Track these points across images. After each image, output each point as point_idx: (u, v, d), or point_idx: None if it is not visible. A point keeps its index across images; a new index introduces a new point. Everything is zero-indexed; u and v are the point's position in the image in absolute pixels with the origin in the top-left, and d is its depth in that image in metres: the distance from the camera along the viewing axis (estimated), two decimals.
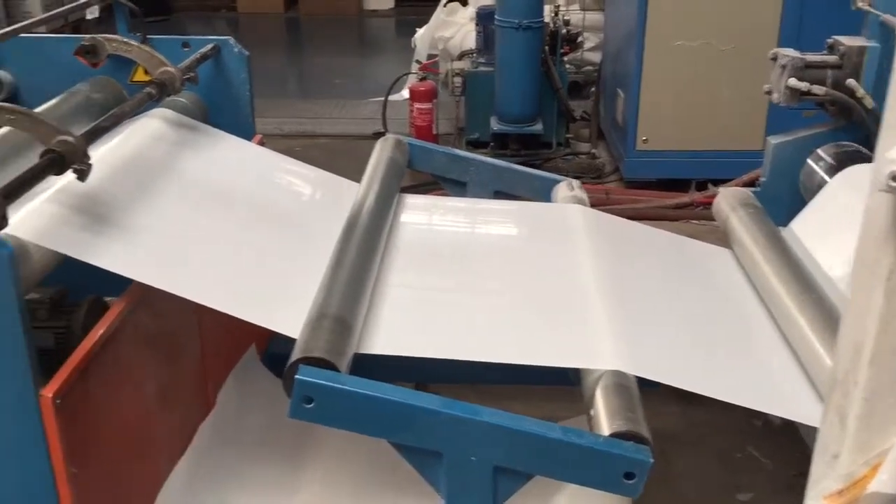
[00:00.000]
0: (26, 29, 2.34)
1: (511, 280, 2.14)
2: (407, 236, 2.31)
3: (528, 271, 2.18)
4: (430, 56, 6.33)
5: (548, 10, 4.99)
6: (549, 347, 1.87)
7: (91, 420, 1.65)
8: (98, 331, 1.70)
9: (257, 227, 2.19)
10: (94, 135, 1.92)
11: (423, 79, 5.24)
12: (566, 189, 2.62)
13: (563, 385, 2.64)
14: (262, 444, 2.51)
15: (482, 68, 5.14)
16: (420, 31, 6.94)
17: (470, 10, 6.67)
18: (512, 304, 2.03)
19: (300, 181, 2.52)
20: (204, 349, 2.31)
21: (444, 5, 6.74)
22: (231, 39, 2.78)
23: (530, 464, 1.55)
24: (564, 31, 5.08)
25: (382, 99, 5.73)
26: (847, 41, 2.50)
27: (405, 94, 5.85)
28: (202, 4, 10.51)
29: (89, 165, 1.78)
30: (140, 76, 2.84)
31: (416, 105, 5.10)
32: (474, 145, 5.14)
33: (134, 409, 1.89)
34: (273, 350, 2.89)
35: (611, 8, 5.29)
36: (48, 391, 1.51)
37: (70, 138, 1.78)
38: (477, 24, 5.24)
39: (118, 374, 1.78)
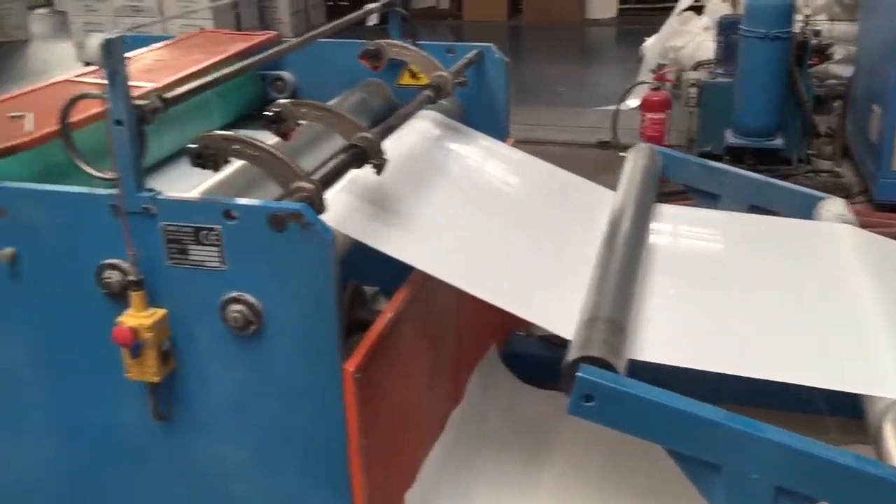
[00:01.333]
0: (314, 37, 2.52)
1: (781, 296, 2.07)
2: (666, 245, 2.29)
3: (799, 289, 2.10)
4: (660, 66, 6.23)
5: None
6: (829, 369, 1.79)
7: (379, 396, 1.75)
8: (388, 314, 1.81)
9: (518, 225, 2.25)
10: (386, 132, 2.05)
11: (656, 88, 5.15)
12: (833, 207, 2.50)
13: (811, 413, 2.55)
14: (501, 440, 2.57)
15: (720, 79, 4.98)
16: (650, 40, 6.85)
17: (705, 20, 6.51)
18: (784, 321, 1.96)
19: (556, 184, 2.55)
20: (459, 342, 2.40)
21: (679, 14, 6.61)
22: (493, 46, 2.87)
23: (816, 488, 1.50)
24: (814, 41, 4.84)
25: (606, 108, 5.68)
26: None
27: (632, 103, 5.79)
28: (431, 12, 10.87)
29: (385, 160, 1.90)
30: (406, 79, 2.99)
31: (649, 115, 5.03)
32: (706, 158, 5.00)
33: (409, 391, 2.00)
34: (511, 349, 2.96)
35: (867, 18, 4.98)
36: (350, 365, 1.62)
37: (369, 135, 1.90)
38: (718, 34, 5.09)
39: (400, 356, 1.89)
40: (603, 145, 5.64)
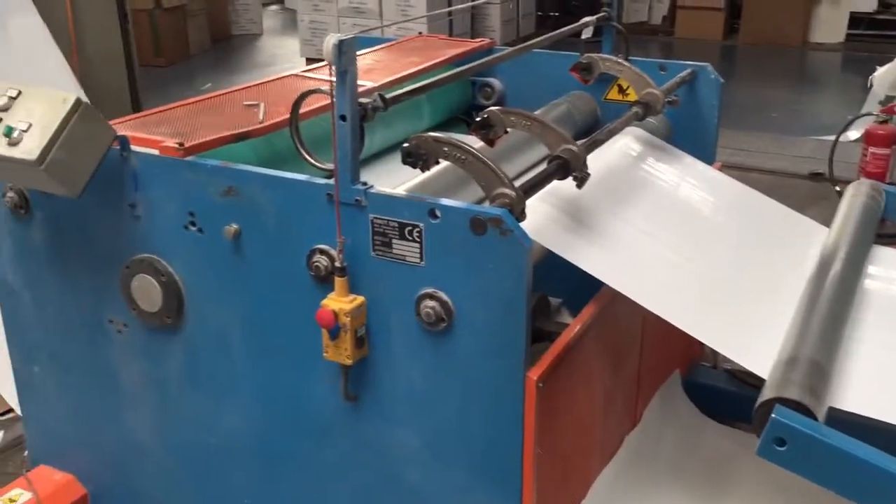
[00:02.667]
0: (530, 46, 2.56)
1: None
2: (882, 292, 2.15)
3: None
4: (889, 98, 5.82)
5: None
6: None
7: (558, 408, 1.77)
8: (574, 327, 1.82)
9: (717, 252, 2.19)
10: (592, 146, 2.05)
11: (883, 121, 4.83)
12: None
13: None
14: (676, 471, 2.50)
15: None
16: (881, 70, 6.41)
17: None
18: None
19: (763, 213, 2.46)
20: (641, 364, 2.37)
21: None
22: (709, 66, 2.80)
23: None
24: None
25: (822, 138, 5.37)
26: None
27: (853, 135, 5.46)
28: (642, 27, 10.70)
29: (587, 174, 1.91)
30: (614, 95, 2.98)
31: (872, 149, 4.72)
32: None
33: (586, 407, 2.00)
34: (694, 378, 2.88)
35: None
36: (534, 374, 1.65)
37: (574, 147, 1.92)
38: None
39: (581, 371, 1.89)
40: (815, 177, 5.35)
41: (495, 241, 1.58)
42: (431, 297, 1.67)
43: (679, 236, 2.15)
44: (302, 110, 1.97)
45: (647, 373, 2.45)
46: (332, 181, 1.71)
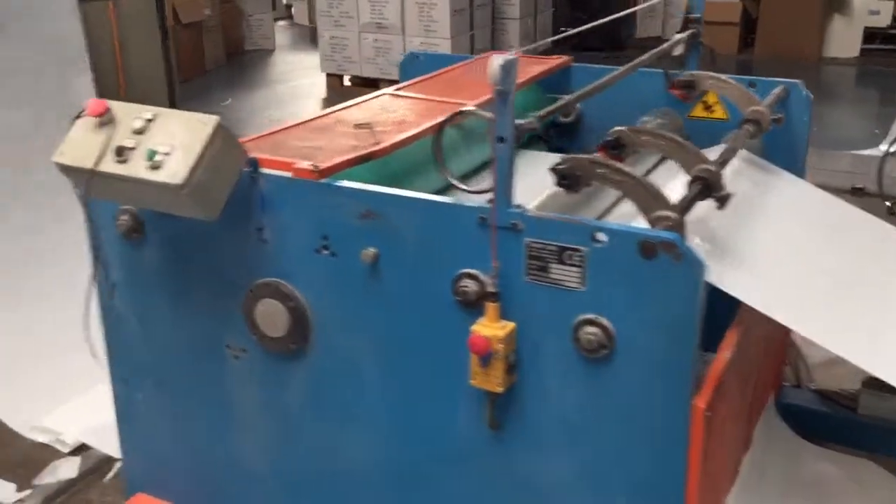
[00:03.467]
0: (624, 73, 2.53)
1: None
2: None
3: None
4: None
5: None
6: None
7: (715, 435, 1.73)
8: (725, 352, 1.78)
9: (842, 272, 2.16)
10: (723, 165, 2.02)
11: None
12: None
13: None
14: (784, 495, 2.47)
15: None
16: None
17: None
18: None
19: (876, 233, 2.43)
20: (755, 387, 2.33)
21: None
22: (800, 83, 2.78)
23: None
24: None
25: (863, 152, 5.37)
26: None
27: (881, 149, 5.48)
28: (656, 42, 10.71)
29: (728, 194, 1.87)
30: (699, 112, 2.95)
31: None
32: None
33: (728, 429, 1.96)
34: (785, 400, 2.84)
35: None
36: (700, 402, 1.61)
37: (713, 167, 1.89)
38: None
39: (729, 397, 1.85)
40: (857, 192, 5.34)
41: (666, 265, 1.55)
42: (592, 322, 1.63)
43: (809, 254, 2.12)
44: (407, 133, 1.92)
45: (757, 396, 2.42)
46: (482, 204, 1.68)
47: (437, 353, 1.80)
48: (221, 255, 1.99)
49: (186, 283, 2.06)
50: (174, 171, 1.69)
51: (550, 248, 1.64)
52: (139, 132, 1.76)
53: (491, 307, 1.69)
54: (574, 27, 9.91)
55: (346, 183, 1.83)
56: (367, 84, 8.47)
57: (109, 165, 1.74)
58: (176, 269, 2.06)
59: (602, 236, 1.59)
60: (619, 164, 1.69)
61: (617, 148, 1.92)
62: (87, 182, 1.74)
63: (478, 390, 1.75)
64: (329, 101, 8.39)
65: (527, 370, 1.74)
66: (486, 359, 1.68)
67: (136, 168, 1.72)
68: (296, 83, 9.22)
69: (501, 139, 1.61)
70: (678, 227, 1.63)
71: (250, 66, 10.24)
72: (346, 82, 8.71)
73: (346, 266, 1.85)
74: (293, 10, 13.01)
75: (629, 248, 1.57)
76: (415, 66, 3.21)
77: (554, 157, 2.89)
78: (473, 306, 1.72)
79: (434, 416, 1.86)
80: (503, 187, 1.64)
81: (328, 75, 8.68)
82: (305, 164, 1.86)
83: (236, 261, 1.97)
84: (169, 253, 2.06)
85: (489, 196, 1.68)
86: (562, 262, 1.63)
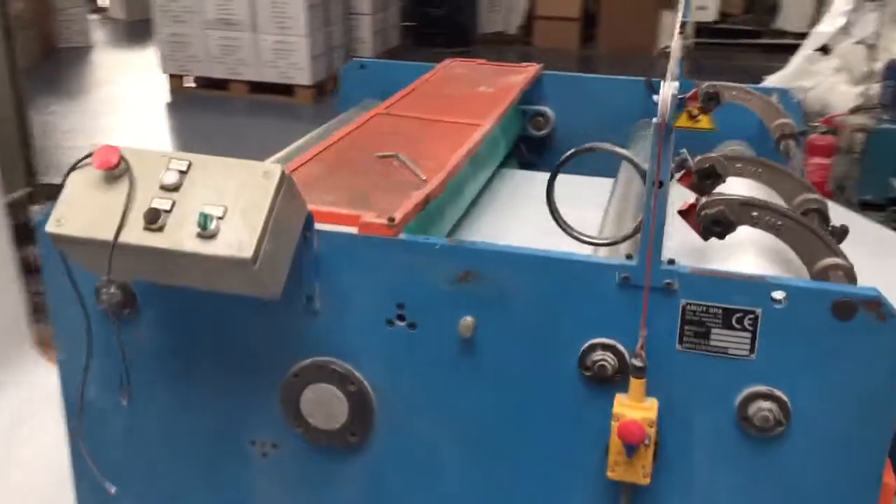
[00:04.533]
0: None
1: None
2: None
3: None
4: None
5: None
6: None
7: None
8: None
9: None
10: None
11: (824, 132, 4.97)
12: None
13: None
14: None
15: (886, 125, 4.82)
16: (771, 78, 6.68)
17: (834, 61, 6.35)
18: None
19: None
20: None
21: (807, 54, 6.45)
22: (791, 90, 2.66)
23: None
24: None
25: None
26: None
27: None
28: (499, 37, 10.70)
29: (846, 227, 1.67)
30: (682, 122, 2.77)
31: (813, 160, 4.84)
32: (865, 207, 4.83)
33: None
34: None
35: None
36: (892, 479, 1.39)
37: (818, 195, 1.68)
38: (886, 78, 4.93)
39: None
40: None
41: (865, 327, 1.31)
42: (766, 396, 1.38)
43: None
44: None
45: None
46: (620, 261, 1.39)
47: (551, 442, 1.49)
48: (248, 333, 1.57)
49: (193, 369, 1.63)
50: (237, 240, 1.27)
51: (713, 311, 1.37)
52: (172, 188, 1.32)
53: (637, 384, 1.39)
54: (421, 23, 9.74)
55: (435, 239, 1.47)
56: (215, 85, 7.86)
57: (139, 236, 1.29)
58: (178, 352, 1.62)
59: (783, 295, 1.33)
60: (774, 205, 1.45)
61: (710, 177, 1.68)
62: (110, 259, 1.28)
63: (609, 483, 1.46)
64: (175, 107, 7.69)
65: (670, 454, 1.46)
66: (634, 447, 1.39)
67: (180, 238, 1.28)
68: (125, 85, 8.41)
69: (661, 184, 1.32)
70: (852, 277, 1.41)
71: (68, 67, 9.26)
72: (189, 83, 8.02)
73: (427, 339, 1.50)
74: (108, 2, 11.93)
75: (819, 307, 1.32)
76: (360, 76, 2.86)
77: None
78: (605, 383, 1.43)
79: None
80: (658, 241, 1.35)
81: (172, 77, 7.95)
82: (373, 217, 1.48)
83: (274, 338, 1.56)
84: (168, 332, 1.61)
85: (622, 250, 1.39)
86: (728, 327, 1.37)
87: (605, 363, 1.41)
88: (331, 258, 1.49)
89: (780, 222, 1.44)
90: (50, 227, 1.32)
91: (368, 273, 1.49)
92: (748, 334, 1.36)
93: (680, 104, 2.72)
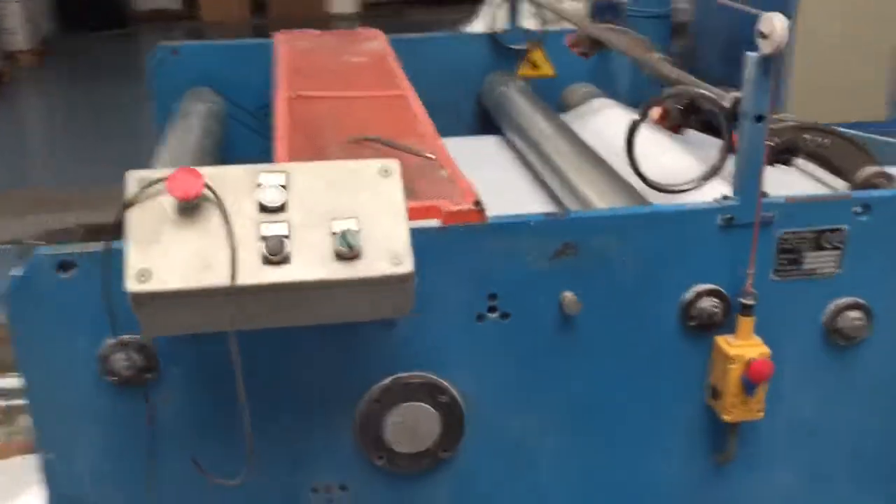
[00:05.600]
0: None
1: None
2: None
3: None
4: None
5: None
6: None
7: None
8: None
9: None
10: None
11: None
12: None
13: None
14: None
15: None
16: (475, 26, 6.93)
17: None
18: None
19: None
20: None
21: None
22: None
23: None
24: None
25: None
26: None
27: None
28: (161, 14, 10.00)
29: None
30: (527, 71, 2.79)
31: None
32: None
33: None
34: None
35: None
36: None
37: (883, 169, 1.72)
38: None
39: None
40: None
41: None
42: (853, 307, 1.45)
43: None
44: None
45: None
46: (723, 202, 1.37)
47: (651, 402, 1.46)
48: (315, 366, 1.33)
49: (235, 424, 1.33)
50: (389, 253, 1.05)
51: (807, 236, 1.40)
52: (277, 209, 1.05)
53: (746, 323, 1.39)
54: (68, 5, 8.74)
55: (528, 216, 1.34)
56: None
57: (260, 273, 1.02)
58: (208, 408, 1.32)
59: (871, 207, 1.39)
60: (821, 125, 1.50)
61: (789, 152, 1.63)
62: (233, 312, 1.00)
63: (703, 428, 1.46)
64: None
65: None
66: (755, 385, 1.40)
67: (315, 266, 1.03)
68: None
69: (760, 118, 1.31)
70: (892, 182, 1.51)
71: None
72: None
73: (523, 327, 1.37)
74: None
75: (891, 210, 1.41)
76: (173, 62, 2.52)
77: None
78: (710, 329, 1.41)
79: (638, 471, 1.51)
80: (761, 176, 1.34)
81: None
82: (456, 205, 1.30)
83: (344, 365, 1.33)
84: (197, 387, 1.30)
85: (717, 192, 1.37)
86: (819, 248, 1.41)
87: (714, 308, 1.39)
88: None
89: (826, 140, 1.50)
90: (134, 286, 0.99)
91: (455, 267, 1.32)
92: (836, 252, 1.42)
93: (521, 54, 2.75)
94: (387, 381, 1.35)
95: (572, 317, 1.37)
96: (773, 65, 1.27)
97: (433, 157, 1.55)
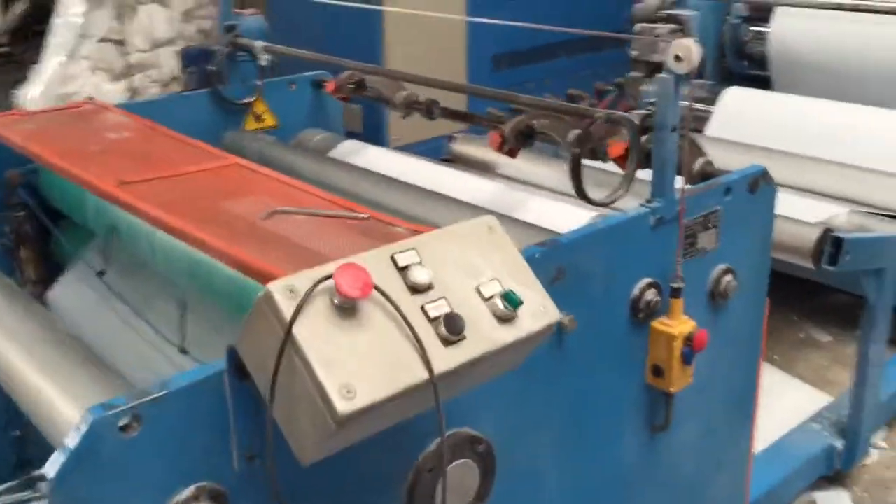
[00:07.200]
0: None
1: None
2: None
3: None
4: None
5: None
6: None
7: None
8: None
9: None
10: None
11: None
12: None
13: None
14: None
15: None
16: (32, 89, 6.27)
17: (85, 63, 6.30)
18: None
19: None
20: None
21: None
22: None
23: None
24: None
25: None
26: None
27: None
28: None
29: None
30: (252, 125, 2.72)
31: None
32: None
33: None
34: None
35: None
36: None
37: None
38: (187, 66, 5.22)
39: None
40: None
41: (766, 194, 1.78)
42: (727, 271, 1.75)
43: None
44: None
45: None
46: (651, 205, 1.57)
47: (613, 396, 1.62)
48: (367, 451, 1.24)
49: None
50: (537, 306, 1.06)
51: (699, 221, 1.66)
52: (428, 287, 1.00)
53: (677, 304, 1.61)
54: None
55: (531, 248, 1.39)
56: None
57: (449, 357, 0.96)
58: None
59: (732, 187, 1.70)
60: None
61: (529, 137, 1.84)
62: (438, 402, 0.93)
63: (643, 403, 1.67)
64: None
65: None
66: (693, 354, 1.63)
67: (489, 335, 1.00)
68: None
69: (674, 129, 1.53)
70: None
71: None
72: None
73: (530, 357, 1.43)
74: None
75: (745, 188, 1.73)
76: None
77: None
78: (645, 318, 1.61)
79: (607, 449, 1.67)
80: (674, 179, 1.56)
81: None
82: None
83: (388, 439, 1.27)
84: None
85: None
86: (706, 229, 1.68)
87: (656, 298, 1.59)
88: None
89: None
90: (345, 407, 0.87)
91: None
92: (716, 230, 1.70)
93: (245, 108, 2.69)
94: (433, 445, 1.31)
95: (563, 337, 1.47)
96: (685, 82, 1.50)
97: (366, 216, 1.51)
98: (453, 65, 5.06)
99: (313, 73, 2.78)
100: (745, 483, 2.02)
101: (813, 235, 2.29)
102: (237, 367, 1.03)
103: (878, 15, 3.39)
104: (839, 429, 2.62)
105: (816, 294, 3.60)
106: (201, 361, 1.61)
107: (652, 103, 1.56)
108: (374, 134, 3.55)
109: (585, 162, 1.69)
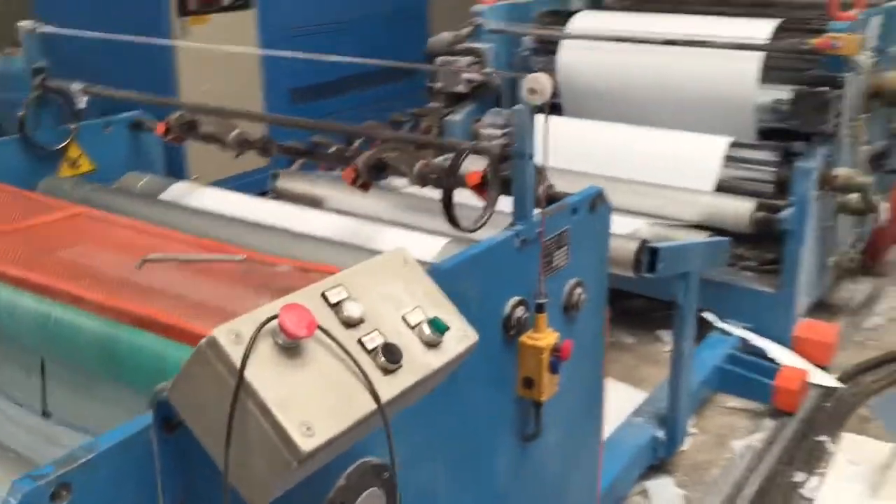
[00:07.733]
0: None
1: None
2: None
3: None
4: None
5: None
6: None
7: None
8: None
9: None
10: None
11: None
12: None
13: None
14: None
15: None
16: None
17: None
18: None
19: None
20: None
21: None
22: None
23: None
24: None
25: None
26: None
27: None
28: None
29: None
30: (67, 171, 2.59)
31: None
32: None
33: None
34: None
35: None
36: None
37: None
38: None
39: None
40: None
41: (604, 213, 1.94)
42: (578, 285, 1.89)
43: None
44: None
45: None
46: (515, 228, 1.67)
47: (495, 402, 1.70)
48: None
49: None
50: (458, 330, 1.12)
51: (554, 240, 1.78)
52: (359, 321, 1.03)
53: (542, 318, 1.72)
54: None
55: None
56: None
57: (391, 385, 1.00)
58: None
59: (579, 209, 1.84)
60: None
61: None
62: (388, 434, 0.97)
63: (516, 414, 1.77)
64: None
65: None
66: (560, 363, 1.74)
67: (423, 360, 1.06)
68: None
69: (530, 157, 1.64)
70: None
71: None
72: None
73: None
74: None
75: (587, 208, 1.88)
76: None
77: None
78: (516, 333, 1.71)
79: (495, 460, 1.75)
80: (533, 202, 1.68)
81: None
82: None
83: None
84: None
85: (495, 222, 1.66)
86: (559, 247, 1.81)
87: (524, 314, 1.69)
88: None
89: None
90: (305, 445, 0.89)
91: None
92: (566, 247, 1.84)
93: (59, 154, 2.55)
94: (342, 479, 1.33)
95: None
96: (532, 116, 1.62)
97: (243, 257, 1.51)
98: (251, 99, 5.03)
99: (129, 113, 2.69)
100: (598, 478, 2.17)
101: (632, 247, 2.50)
102: (164, 419, 1.01)
103: (652, 45, 3.73)
104: (659, 420, 2.85)
105: (617, 300, 3.90)
106: (68, 423, 1.53)
107: (507, 134, 1.66)
108: (173, 173, 3.43)
109: (416, 191, 1.78)
